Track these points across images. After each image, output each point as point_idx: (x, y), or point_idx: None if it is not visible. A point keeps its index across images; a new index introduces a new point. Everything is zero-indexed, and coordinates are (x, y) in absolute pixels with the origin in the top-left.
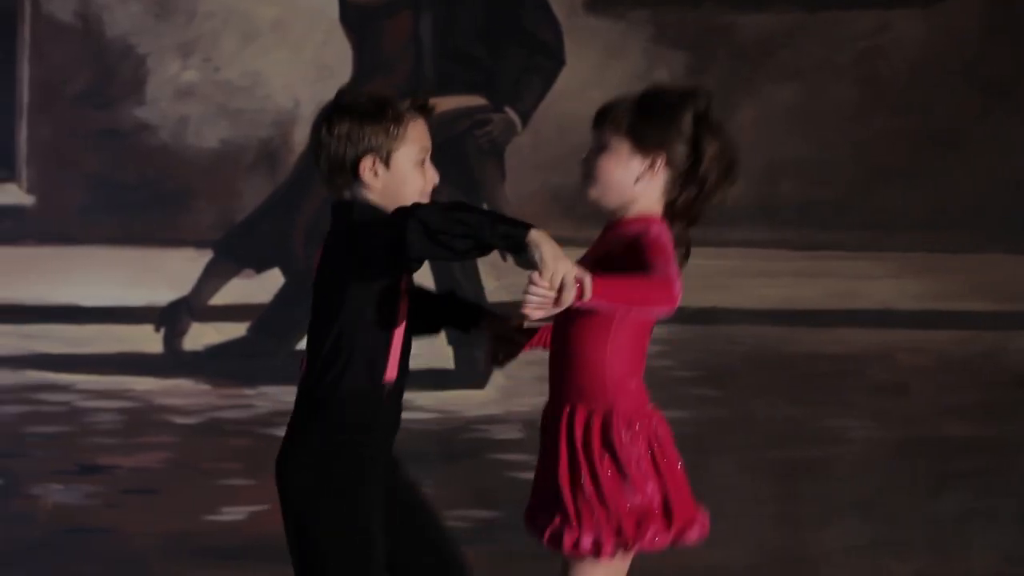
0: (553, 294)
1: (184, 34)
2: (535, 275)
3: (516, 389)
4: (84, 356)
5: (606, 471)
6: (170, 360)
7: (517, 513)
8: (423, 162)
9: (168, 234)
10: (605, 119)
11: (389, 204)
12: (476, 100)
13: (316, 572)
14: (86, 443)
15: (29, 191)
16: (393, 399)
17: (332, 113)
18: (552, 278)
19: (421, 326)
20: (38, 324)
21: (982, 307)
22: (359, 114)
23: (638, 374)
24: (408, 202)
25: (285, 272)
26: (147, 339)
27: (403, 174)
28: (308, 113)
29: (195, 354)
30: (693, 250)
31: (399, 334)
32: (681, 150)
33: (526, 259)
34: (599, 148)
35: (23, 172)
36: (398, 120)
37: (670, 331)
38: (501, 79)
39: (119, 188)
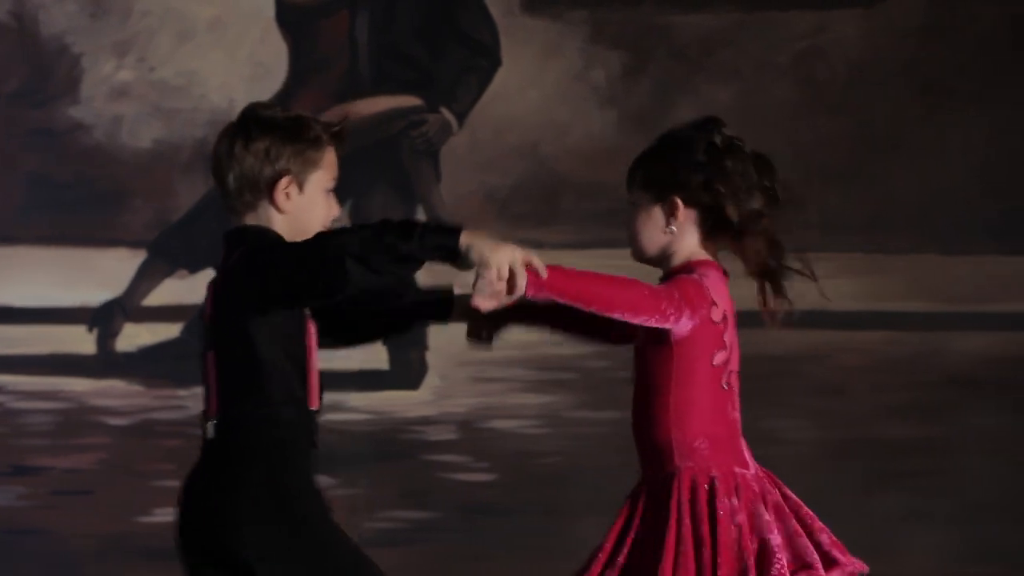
0: (503, 285)
1: (119, 33)
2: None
3: (450, 390)
4: (16, 357)
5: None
6: (103, 361)
7: (449, 514)
8: (330, 191)
9: (102, 234)
10: (629, 177)
11: (293, 230)
12: (411, 100)
13: None
14: (19, 444)
15: None
16: (315, 426)
17: (249, 126)
18: (498, 270)
19: (390, 328)
20: None
21: (918, 308)
22: (280, 131)
23: (708, 431)
24: (311, 231)
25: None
26: (80, 340)
27: (312, 200)
28: None
29: (128, 355)
30: (626, 251)
31: (314, 358)
32: (696, 185)
33: (466, 264)
34: (630, 208)
35: None
36: (318, 143)
37: None
38: (437, 79)
39: (53, 187)
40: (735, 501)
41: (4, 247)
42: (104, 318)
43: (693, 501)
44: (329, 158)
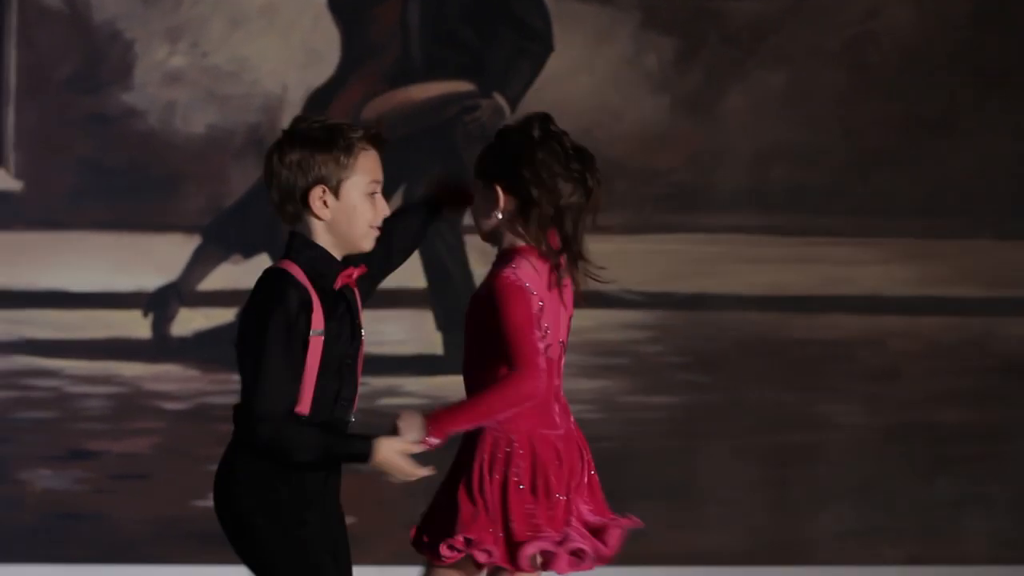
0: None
1: (172, 19)
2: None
3: None
4: (73, 342)
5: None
6: (158, 346)
7: None
8: (373, 194)
9: (156, 219)
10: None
11: (338, 236)
12: (464, 86)
13: None
14: (75, 429)
15: (17, 176)
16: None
17: (284, 141)
18: (400, 473)
19: (408, 243)
20: (26, 310)
21: (972, 293)
22: (310, 143)
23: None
24: (359, 234)
25: (273, 257)
26: (136, 325)
27: (352, 205)
28: (296, 98)
29: (183, 340)
30: (685, 236)
31: (311, 376)
32: (512, 174)
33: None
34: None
35: (11, 157)
36: (349, 149)
37: (660, 317)
38: (490, 65)
39: (107, 173)
40: (523, 464)
41: (59, 232)
42: (159, 303)
43: (491, 462)
44: (365, 163)
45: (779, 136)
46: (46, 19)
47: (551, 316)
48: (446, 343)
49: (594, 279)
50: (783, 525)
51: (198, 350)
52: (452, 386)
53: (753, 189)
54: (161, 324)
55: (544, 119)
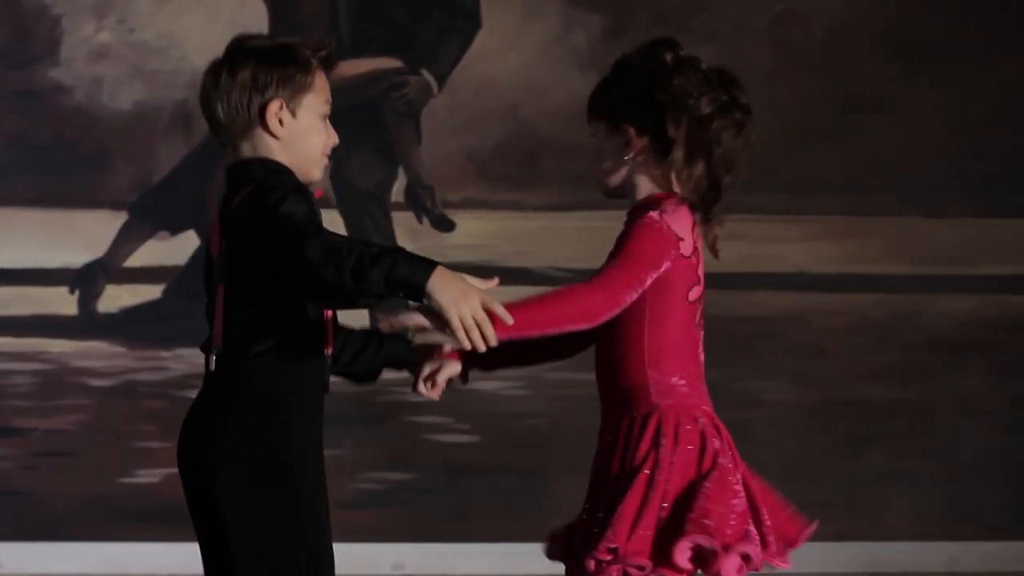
0: (464, 338)
1: None
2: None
3: None
4: None
5: (643, 481)
6: (85, 322)
7: (432, 475)
8: (326, 117)
9: (83, 196)
10: (588, 108)
11: (292, 159)
12: (392, 62)
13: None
14: (1, 406)
15: None
16: (326, 369)
17: (234, 57)
18: (459, 323)
19: (357, 374)
20: None
21: (899, 270)
22: (266, 58)
23: (687, 371)
24: (312, 158)
25: (200, 234)
26: (62, 301)
27: (308, 125)
28: None
29: (110, 316)
30: (612, 213)
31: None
32: (646, 114)
33: (427, 307)
34: (591, 141)
35: None
36: (306, 67)
37: None
38: (418, 41)
39: (34, 149)
40: (718, 443)
41: None
42: (86, 279)
43: (677, 438)
44: (320, 82)
45: None
46: None
47: (702, 269)
48: (372, 320)
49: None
50: None
51: (125, 327)
52: None
53: None
54: (88, 301)
55: (672, 43)
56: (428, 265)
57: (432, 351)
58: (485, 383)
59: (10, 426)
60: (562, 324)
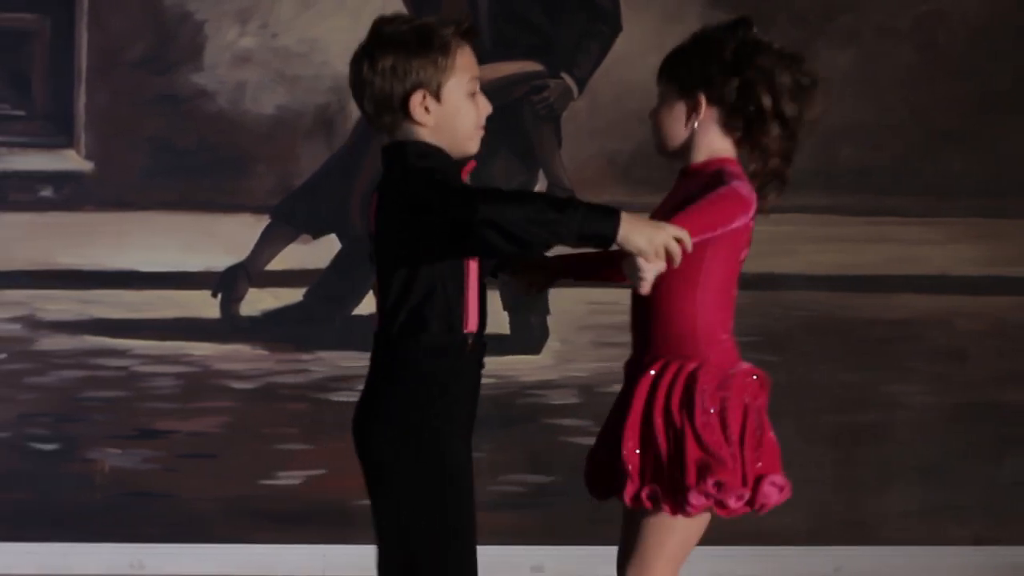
0: (663, 266)
1: (242, 1)
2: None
3: (571, 354)
4: (142, 321)
5: (686, 427)
6: (227, 325)
7: (571, 478)
8: (474, 92)
9: (226, 199)
10: (659, 70)
11: (444, 140)
12: (533, 66)
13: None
14: (144, 408)
15: (87, 157)
16: (475, 352)
17: (373, 47)
18: (658, 257)
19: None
20: (96, 289)
21: None
22: (403, 46)
23: (728, 326)
24: (466, 137)
25: (341, 237)
26: (205, 304)
27: (455, 107)
28: None
29: (252, 319)
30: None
31: (473, 282)
32: (723, 83)
33: (612, 248)
34: (658, 100)
35: (81, 138)
36: (445, 49)
37: None
38: (558, 44)
39: (177, 154)
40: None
41: (129, 213)
42: (228, 283)
43: (722, 389)
44: (463, 60)
45: (847, 116)
46: (117, 0)
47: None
48: (512, 322)
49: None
50: (848, 504)
51: (267, 330)
52: (518, 365)
53: (820, 169)
54: (230, 304)
55: (749, 23)
56: (614, 213)
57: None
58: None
59: (153, 428)
60: (729, 220)
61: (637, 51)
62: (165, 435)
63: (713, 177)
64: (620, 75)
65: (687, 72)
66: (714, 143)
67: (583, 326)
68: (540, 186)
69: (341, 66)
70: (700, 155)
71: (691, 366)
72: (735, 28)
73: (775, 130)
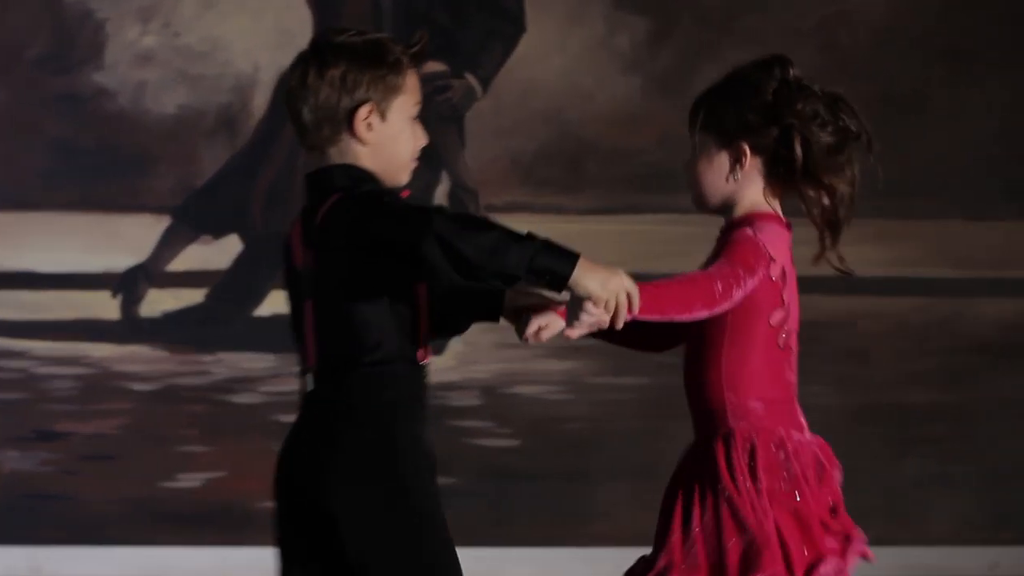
0: (607, 317)
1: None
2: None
3: (474, 356)
4: (41, 322)
5: (710, 502)
6: (127, 326)
7: (473, 479)
8: (415, 118)
9: (126, 200)
10: (690, 118)
11: (379, 164)
12: (436, 66)
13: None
14: (43, 409)
15: None
16: (426, 377)
17: (324, 53)
18: (607, 305)
19: (445, 327)
20: None
21: (942, 274)
22: (356, 57)
23: (768, 396)
24: (400, 163)
25: (243, 238)
26: (104, 305)
27: (398, 129)
28: (268, 79)
29: (152, 320)
30: (656, 216)
31: (424, 308)
32: (764, 131)
33: (562, 291)
34: (693, 151)
35: None
36: (397, 67)
37: None
38: (462, 45)
39: (77, 153)
40: (787, 462)
41: (29, 213)
42: (128, 283)
43: (751, 459)
44: (411, 82)
45: None
46: None
47: (791, 292)
48: None
49: (838, 267)
50: None
51: (167, 331)
52: None
53: None
54: (130, 305)
55: (785, 61)
56: (572, 255)
57: (538, 306)
58: (527, 388)
59: (52, 430)
60: (685, 309)
61: (541, 51)
62: (64, 437)
63: (725, 234)
64: (524, 75)
65: (727, 119)
66: (755, 196)
67: (485, 327)
68: (443, 187)
69: (243, 65)
70: (740, 210)
71: (716, 439)
72: (773, 66)
73: (817, 178)
